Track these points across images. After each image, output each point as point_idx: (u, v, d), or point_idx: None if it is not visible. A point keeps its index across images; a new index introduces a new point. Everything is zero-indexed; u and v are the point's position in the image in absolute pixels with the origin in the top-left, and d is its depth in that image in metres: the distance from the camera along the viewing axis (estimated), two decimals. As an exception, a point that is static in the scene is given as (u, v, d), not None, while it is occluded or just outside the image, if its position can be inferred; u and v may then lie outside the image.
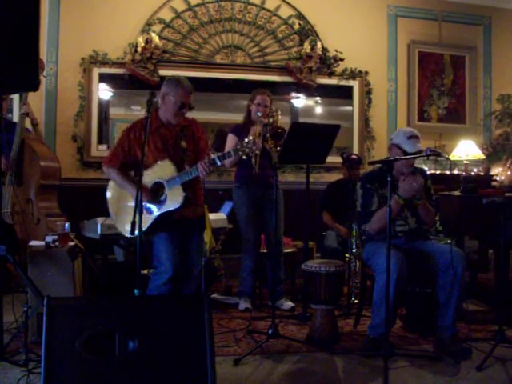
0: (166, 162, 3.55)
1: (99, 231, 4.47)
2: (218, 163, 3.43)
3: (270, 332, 3.76)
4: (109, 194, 3.84)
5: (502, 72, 7.34)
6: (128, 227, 3.45)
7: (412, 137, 3.78)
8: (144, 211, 3.50)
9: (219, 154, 3.45)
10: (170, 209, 3.54)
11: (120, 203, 3.76)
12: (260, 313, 4.67)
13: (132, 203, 3.59)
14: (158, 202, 3.56)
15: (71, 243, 3.98)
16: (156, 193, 3.58)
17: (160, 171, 3.56)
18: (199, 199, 3.77)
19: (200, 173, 3.41)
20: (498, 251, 4.32)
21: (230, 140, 4.81)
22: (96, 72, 6.08)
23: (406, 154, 3.71)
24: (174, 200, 3.52)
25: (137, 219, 3.03)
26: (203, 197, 3.81)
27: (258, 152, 4.40)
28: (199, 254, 3.70)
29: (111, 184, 3.83)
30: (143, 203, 3.42)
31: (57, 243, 3.86)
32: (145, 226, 3.51)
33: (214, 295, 5.03)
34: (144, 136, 3.23)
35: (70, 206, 5.14)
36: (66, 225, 4.00)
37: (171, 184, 3.51)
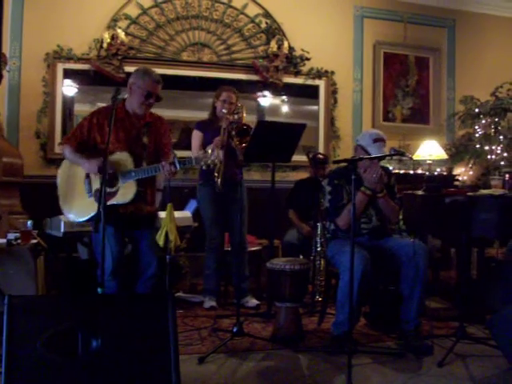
0: (125, 154, 3.48)
1: (62, 229, 4.42)
2: (177, 167, 3.36)
3: (234, 330, 3.75)
4: (59, 179, 3.70)
5: (466, 74, 7.46)
6: (74, 213, 3.56)
7: (377, 140, 3.81)
8: (93, 197, 3.48)
9: (179, 158, 3.38)
10: (119, 202, 3.45)
11: (69, 185, 3.65)
12: (225, 311, 4.66)
13: (81, 185, 3.57)
14: (109, 193, 3.39)
15: (34, 241, 3.93)
16: (109, 182, 3.41)
17: (117, 162, 3.47)
18: (152, 198, 3.72)
19: (165, 172, 3.36)
20: (460, 249, 4.39)
21: (195, 136, 4.80)
22: (60, 67, 6.00)
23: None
24: (124, 194, 3.44)
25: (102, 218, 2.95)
26: (159, 196, 3.79)
27: (219, 164, 4.28)
28: (152, 252, 3.65)
29: (62, 167, 3.72)
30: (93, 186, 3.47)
31: (19, 241, 3.82)
32: (91, 213, 3.46)
33: (178, 293, 5.02)
34: (107, 124, 3.17)
35: (32, 204, 5.07)
36: (29, 222, 3.95)
37: (126, 178, 3.44)
